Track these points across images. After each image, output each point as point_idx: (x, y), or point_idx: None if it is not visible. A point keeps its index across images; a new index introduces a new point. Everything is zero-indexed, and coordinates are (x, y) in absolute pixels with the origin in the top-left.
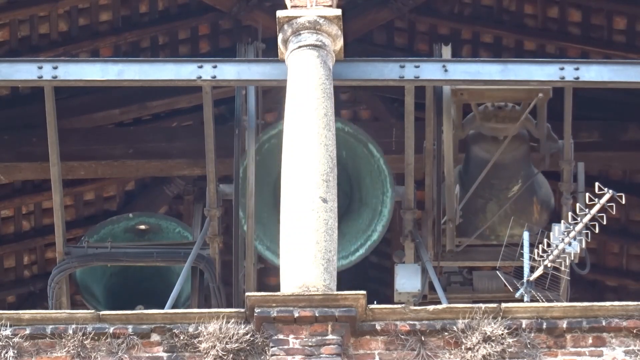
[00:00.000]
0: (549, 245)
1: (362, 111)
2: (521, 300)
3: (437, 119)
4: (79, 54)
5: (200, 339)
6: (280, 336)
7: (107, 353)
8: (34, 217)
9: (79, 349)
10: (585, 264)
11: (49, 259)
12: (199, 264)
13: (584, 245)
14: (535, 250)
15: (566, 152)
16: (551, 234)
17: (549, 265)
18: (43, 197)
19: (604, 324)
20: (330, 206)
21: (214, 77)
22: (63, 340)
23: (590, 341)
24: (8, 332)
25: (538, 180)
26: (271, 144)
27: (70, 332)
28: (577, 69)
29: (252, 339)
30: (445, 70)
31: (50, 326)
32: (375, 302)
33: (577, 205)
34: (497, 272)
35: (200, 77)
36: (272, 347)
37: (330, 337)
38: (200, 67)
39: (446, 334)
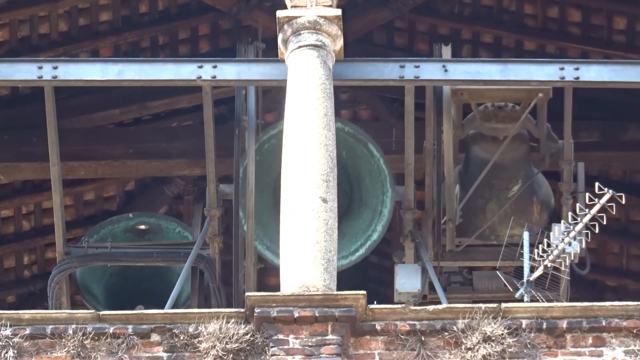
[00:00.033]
0: (549, 245)
1: (362, 111)
2: (521, 300)
3: (437, 119)
4: (79, 54)
5: (200, 339)
6: (280, 336)
7: (107, 353)
8: (34, 217)
9: (79, 349)
10: (585, 264)
11: (49, 259)
12: (199, 264)
13: (584, 245)
14: (535, 250)
15: (566, 152)
16: (551, 234)
17: (549, 265)
18: (43, 197)
19: (604, 324)
20: (330, 206)
21: (214, 77)
22: (63, 340)
23: (590, 341)
24: (8, 332)
25: (538, 180)
26: (271, 144)
27: (70, 332)
28: (577, 69)
29: (252, 339)
30: (445, 70)
31: (50, 326)
32: (375, 302)
33: (577, 205)
34: (497, 272)
35: (200, 77)
36: (272, 347)
37: (330, 337)
38: (200, 67)
39: (446, 334)
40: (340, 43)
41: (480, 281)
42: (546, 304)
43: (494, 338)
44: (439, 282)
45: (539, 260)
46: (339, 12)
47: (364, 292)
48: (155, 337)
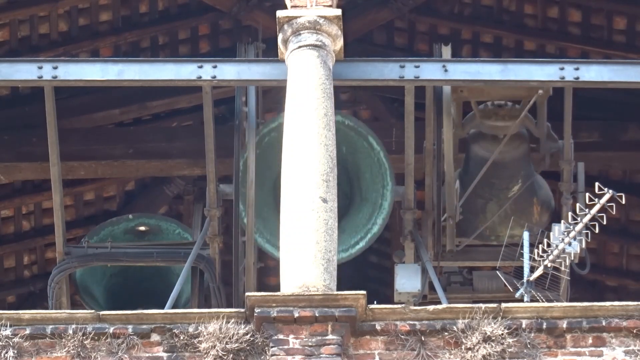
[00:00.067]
0: (549, 245)
1: (362, 111)
2: (521, 300)
3: (437, 119)
4: (79, 54)
5: (200, 339)
6: (280, 336)
7: (107, 353)
8: (34, 217)
9: (79, 349)
10: (585, 264)
11: (49, 259)
12: (199, 264)
13: (584, 245)
14: (535, 250)
15: (566, 152)
16: (551, 234)
17: (549, 265)
18: (43, 197)
19: (604, 324)
20: (330, 206)
21: (214, 77)
22: (63, 340)
23: (590, 341)
24: (8, 332)
25: (538, 181)
26: (271, 137)
27: (70, 332)
28: (577, 69)
29: (252, 339)
30: (445, 70)
31: (50, 326)
32: (375, 302)
33: (577, 205)
34: (497, 272)
35: (200, 77)
36: (272, 347)
37: (330, 337)
38: (200, 67)
39: (446, 334)
40: (340, 43)
41: (480, 281)
42: (546, 304)
43: (494, 338)
44: (439, 282)
45: (539, 260)
46: (339, 12)
47: (364, 292)
48: (155, 337)
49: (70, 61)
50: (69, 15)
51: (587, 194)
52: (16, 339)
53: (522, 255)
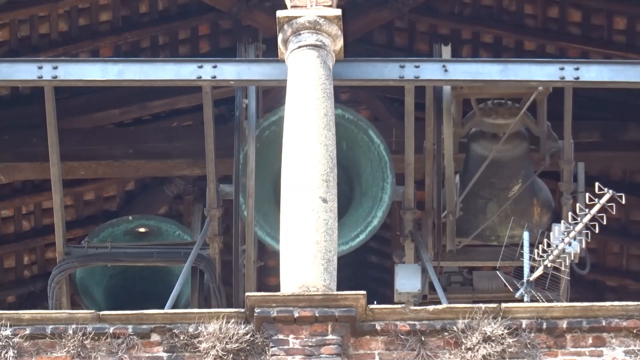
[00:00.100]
0: (549, 245)
1: (362, 111)
2: (521, 300)
3: (437, 119)
4: (79, 54)
5: (200, 339)
6: (280, 336)
7: (107, 353)
8: (34, 217)
9: (79, 349)
10: (585, 264)
11: (49, 259)
12: (199, 264)
13: (584, 245)
14: (535, 251)
15: (566, 152)
16: (551, 234)
17: (549, 265)
18: (43, 197)
19: (604, 324)
20: (330, 206)
21: (214, 77)
22: (63, 340)
23: (590, 341)
24: (8, 332)
25: (537, 183)
26: (271, 130)
27: (70, 332)
28: (577, 69)
29: (252, 339)
30: (445, 70)
31: (50, 326)
32: (375, 302)
33: (577, 205)
34: (497, 272)
35: (200, 77)
36: (272, 347)
37: (330, 337)
38: (200, 67)
39: (446, 334)
40: (340, 43)
41: (480, 281)
42: (546, 304)
43: (494, 338)
44: (439, 282)
45: (539, 260)
46: (339, 12)
47: (364, 292)
48: (155, 337)
49: (70, 61)
50: (69, 15)
51: (587, 194)
52: (16, 339)
53: (522, 255)
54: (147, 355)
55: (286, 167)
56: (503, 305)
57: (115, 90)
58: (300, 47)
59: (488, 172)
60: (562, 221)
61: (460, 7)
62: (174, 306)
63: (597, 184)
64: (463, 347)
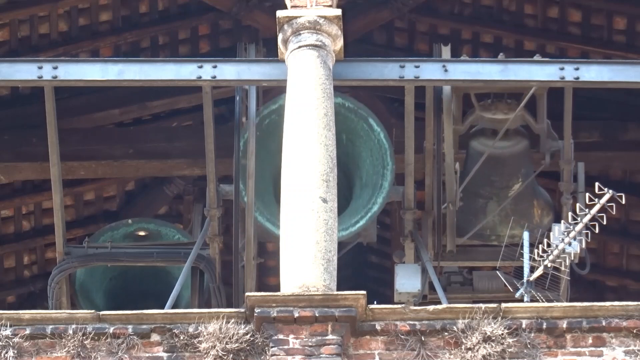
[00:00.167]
0: (549, 245)
1: None
2: (521, 300)
3: (437, 119)
4: (79, 54)
5: (200, 339)
6: (280, 336)
7: (107, 353)
8: (34, 217)
9: (79, 349)
10: (585, 264)
11: (49, 259)
12: (199, 264)
13: (584, 245)
14: (535, 250)
15: (566, 152)
16: (551, 234)
17: (549, 265)
18: (43, 197)
19: (604, 324)
20: (330, 206)
21: (214, 77)
22: (63, 340)
23: (590, 341)
24: (8, 332)
25: (538, 187)
26: (272, 119)
27: (70, 332)
28: (577, 69)
29: (252, 339)
30: (445, 70)
31: (50, 326)
32: (375, 302)
33: (577, 205)
34: (497, 272)
35: (200, 77)
36: (272, 347)
37: (330, 337)
38: (200, 67)
39: (446, 334)
40: (340, 43)
41: (480, 281)
42: (546, 304)
43: (494, 338)
44: (439, 282)
45: (539, 260)
46: (339, 12)
47: (364, 292)
48: (155, 337)
49: (70, 61)
50: (69, 15)
51: (587, 194)
52: (16, 339)
53: (522, 255)
54: (147, 355)
55: (286, 167)
56: (503, 305)
57: (115, 90)
58: (300, 47)
59: (488, 170)
60: (562, 221)
61: (460, 7)
62: (174, 306)
63: (597, 184)
64: (463, 347)
